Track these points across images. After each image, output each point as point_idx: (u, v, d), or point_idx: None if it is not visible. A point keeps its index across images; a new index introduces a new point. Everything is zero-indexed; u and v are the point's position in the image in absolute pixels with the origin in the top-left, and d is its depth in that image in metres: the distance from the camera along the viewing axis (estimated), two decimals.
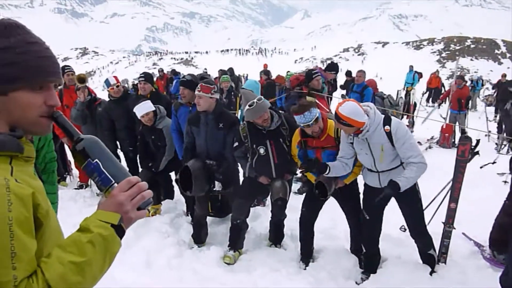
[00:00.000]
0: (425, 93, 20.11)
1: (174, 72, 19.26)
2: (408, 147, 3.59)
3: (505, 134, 5.46)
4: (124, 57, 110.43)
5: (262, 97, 4.28)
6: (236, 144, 4.48)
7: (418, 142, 8.58)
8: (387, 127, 3.60)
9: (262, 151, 4.32)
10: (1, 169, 1.07)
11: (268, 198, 5.41)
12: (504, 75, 18.32)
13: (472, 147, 3.89)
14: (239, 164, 4.75)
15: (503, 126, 10.35)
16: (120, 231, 1.17)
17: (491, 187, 6.87)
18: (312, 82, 6.94)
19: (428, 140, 11.67)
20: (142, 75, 6.26)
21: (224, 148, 4.60)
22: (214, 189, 4.60)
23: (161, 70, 20.42)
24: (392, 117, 3.73)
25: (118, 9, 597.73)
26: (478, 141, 4.00)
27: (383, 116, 3.69)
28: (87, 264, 1.10)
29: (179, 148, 5.28)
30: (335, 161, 3.96)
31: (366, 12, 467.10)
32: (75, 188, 6.95)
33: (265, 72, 15.63)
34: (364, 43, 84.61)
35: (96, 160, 1.22)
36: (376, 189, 3.86)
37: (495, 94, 16.85)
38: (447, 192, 4.28)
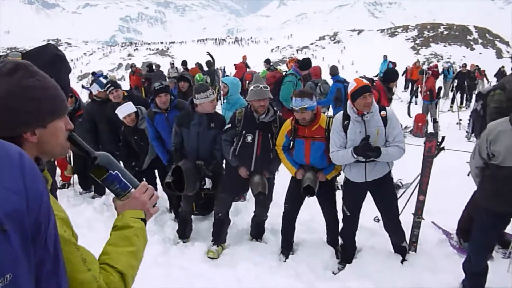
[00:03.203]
0: (407, 88, 20.44)
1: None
2: (398, 132, 4.00)
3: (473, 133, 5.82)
4: (98, 48, 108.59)
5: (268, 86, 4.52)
6: (228, 126, 4.66)
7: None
8: (383, 112, 3.96)
9: (249, 138, 4.49)
10: None
11: (249, 193, 5.60)
12: (464, 65, 19.00)
13: (438, 143, 4.18)
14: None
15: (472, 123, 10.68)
16: (145, 224, 1.54)
17: (460, 176, 7.20)
18: (395, 82, 6.92)
19: (402, 129, 12.01)
20: (109, 84, 6.11)
21: (214, 147, 4.79)
22: (205, 186, 4.75)
23: (133, 65, 19.68)
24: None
25: None
26: (443, 137, 4.29)
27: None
28: (138, 251, 1.46)
29: (162, 154, 5.39)
30: (322, 153, 4.23)
31: (342, 0, 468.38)
32: (58, 188, 6.95)
33: (246, 65, 16.14)
34: (339, 31, 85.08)
35: (116, 171, 1.50)
36: (358, 184, 4.11)
37: (455, 84, 17.39)
38: (416, 185, 4.56)
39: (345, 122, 3.99)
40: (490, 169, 3.42)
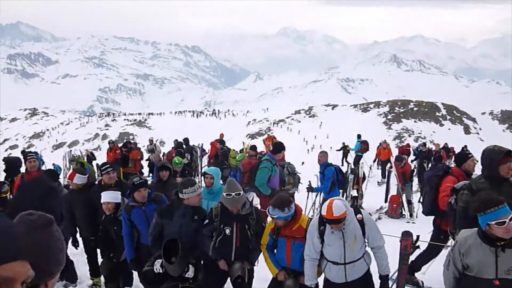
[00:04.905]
0: (378, 168, 20.77)
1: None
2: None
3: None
4: (75, 118, 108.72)
5: (242, 191, 4.61)
6: (206, 221, 4.75)
7: (369, 213, 8.98)
8: (359, 215, 4.03)
9: (227, 231, 4.60)
10: None
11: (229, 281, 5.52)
12: (423, 145, 19.97)
13: (413, 242, 4.31)
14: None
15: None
16: None
17: (439, 264, 7.28)
18: (468, 162, 6.08)
19: (377, 210, 12.21)
20: (108, 165, 6.37)
21: (197, 238, 4.84)
22: (187, 274, 4.62)
23: (111, 142, 19.27)
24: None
25: (71, 70, 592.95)
26: (418, 236, 4.44)
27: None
28: None
29: (129, 250, 5.41)
30: (302, 254, 4.29)
31: (316, 76, 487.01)
32: None
33: (221, 142, 16.37)
34: (314, 105, 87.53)
35: None
36: (338, 284, 4.14)
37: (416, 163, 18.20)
38: (394, 281, 4.63)
39: (321, 228, 4.09)
40: (467, 279, 3.53)
